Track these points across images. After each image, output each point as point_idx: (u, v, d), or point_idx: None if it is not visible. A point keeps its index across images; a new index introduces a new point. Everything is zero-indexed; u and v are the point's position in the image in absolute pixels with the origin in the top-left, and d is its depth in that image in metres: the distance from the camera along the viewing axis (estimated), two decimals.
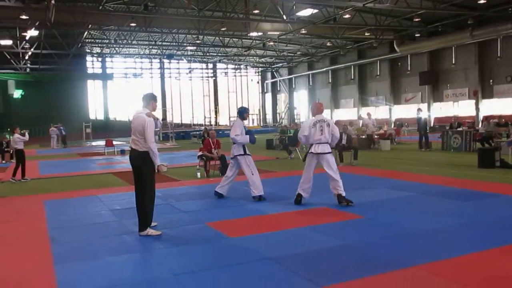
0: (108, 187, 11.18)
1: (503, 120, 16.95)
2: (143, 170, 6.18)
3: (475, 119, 28.51)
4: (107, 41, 37.01)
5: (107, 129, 44.04)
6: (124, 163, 17.23)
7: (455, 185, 9.39)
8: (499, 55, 28.62)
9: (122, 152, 22.50)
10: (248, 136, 8.84)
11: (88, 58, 47.92)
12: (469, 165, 12.57)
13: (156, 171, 6.24)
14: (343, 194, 7.67)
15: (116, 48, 41.76)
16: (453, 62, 32.12)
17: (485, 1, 24.33)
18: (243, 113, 8.97)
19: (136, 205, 6.27)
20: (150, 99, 6.50)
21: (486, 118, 20.06)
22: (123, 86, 51.64)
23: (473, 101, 30.98)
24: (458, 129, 18.08)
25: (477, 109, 30.28)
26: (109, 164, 17.79)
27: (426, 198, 7.85)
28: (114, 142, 25.42)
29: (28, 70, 42.03)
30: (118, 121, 50.21)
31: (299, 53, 44.15)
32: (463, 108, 32.29)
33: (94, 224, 7.00)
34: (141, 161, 6.16)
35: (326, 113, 45.47)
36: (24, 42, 31.27)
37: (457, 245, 5.25)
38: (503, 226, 6.07)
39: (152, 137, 6.18)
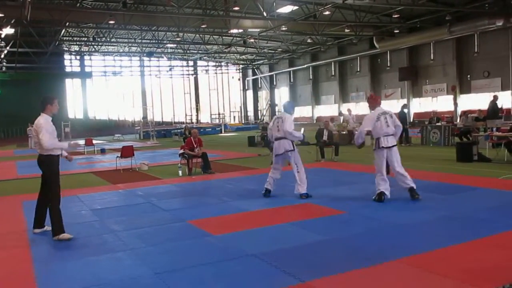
0: (89, 186, 11.04)
1: (481, 114, 17.21)
2: (46, 174, 6.20)
3: (454, 114, 28.92)
4: (86, 39, 36.52)
5: (86, 128, 43.51)
6: (105, 162, 17.08)
7: (435, 179, 9.53)
8: (476, 50, 29.06)
9: (103, 151, 22.25)
10: (301, 133, 8.48)
11: (66, 56, 47.19)
12: (448, 159, 12.75)
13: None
14: (414, 186, 7.51)
15: (95, 46, 41.21)
16: (432, 58, 32.51)
17: None
18: (292, 107, 8.52)
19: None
20: (45, 103, 6.27)
21: (464, 113, 20.34)
22: (102, 84, 51.06)
23: (452, 96, 31.42)
24: (437, 124, 18.32)
25: (455, 104, 30.72)
26: (89, 163, 17.57)
27: (406, 192, 7.93)
28: (94, 141, 25.10)
29: (4, 69, 41.24)
30: (97, 120, 49.65)
31: (279, 50, 44.20)
32: (442, 103, 32.73)
33: (74, 224, 6.90)
34: (45, 165, 6.17)
35: (306, 110, 45.47)
36: None
37: (437, 238, 5.33)
38: (481, 218, 6.18)
39: (47, 137, 6.03)
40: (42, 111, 6.25)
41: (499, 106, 18.02)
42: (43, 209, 6.39)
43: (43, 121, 6.13)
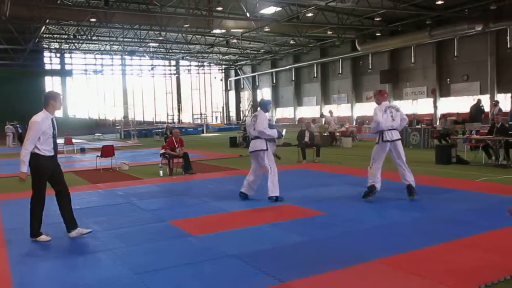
0: (68, 186, 10.85)
1: (460, 117, 17.50)
2: (31, 173, 5.98)
3: (433, 117, 29.34)
4: (66, 36, 36.03)
5: (66, 127, 42.91)
6: (85, 162, 16.87)
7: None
8: (456, 54, 29.52)
9: (83, 150, 21.99)
10: (275, 130, 8.32)
11: (46, 53, 46.51)
12: (427, 161, 12.92)
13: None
14: (414, 185, 7.62)
15: (75, 44, 40.71)
16: (413, 61, 32.92)
17: (443, 2, 25.05)
18: (267, 105, 8.39)
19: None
20: (49, 98, 5.92)
21: (444, 116, 20.67)
22: (83, 83, 50.45)
23: (431, 99, 31.87)
24: (417, 126, 18.57)
25: (435, 107, 31.17)
26: (68, 162, 17.33)
27: (386, 193, 8.03)
28: (74, 140, 24.78)
29: None
30: (77, 118, 49.03)
31: (262, 50, 44.26)
32: (422, 106, 33.17)
33: (52, 224, 6.79)
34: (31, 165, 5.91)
35: (288, 111, 45.48)
36: None
37: (416, 239, 5.40)
38: (458, 220, 6.28)
39: (27, 140, 5.74)
40: (44, 107, 5.89)
41: (483, 109, 18.34)
42: (64, 209, 6.10)
43: (39, 119, 5.75)
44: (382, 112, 7.71)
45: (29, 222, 5.97)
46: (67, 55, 47.80)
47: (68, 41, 37.55)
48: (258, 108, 8.38)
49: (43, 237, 5.92)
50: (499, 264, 4.44)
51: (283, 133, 8.71)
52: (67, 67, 48.65)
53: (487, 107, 26.07)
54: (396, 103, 35.10)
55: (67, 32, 35.35)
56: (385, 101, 8.02)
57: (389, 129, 7.65)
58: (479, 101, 18.03)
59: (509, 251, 4.66)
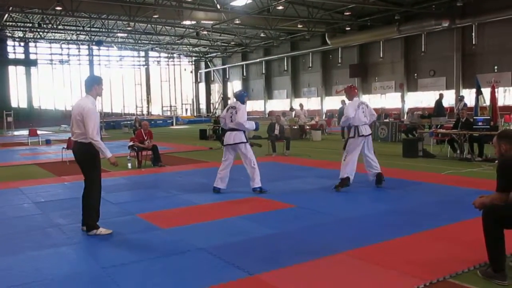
0: (32, 178, 10.61)
1: (426, 112, 17.84)
2: (85, 164, 5.67)
3: (401, 111, 29.87)
4: (31, 25, 34.91)
5: (31, 118, 41.79)
6: (50, 154, 16.47)
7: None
8: (423, 50, 30.05)
9: (48, 142, 21.44)
10: (254, 122, 8.33)
11: (9, 42, 45.07)
12: (394, 155, 13.15)
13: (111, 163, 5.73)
14: (381, 172, 8.10)
15: (41, 33, 39.53)
16: (381, 55, 33.35)
17: None
18: (244, 96, 8.30)
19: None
20: (92, 83, 5.69)
21: (411, 110, 21.06)
22: (48, 73, 49.14)
23: (399, 94, 32.43)
24: (385, 120, 18.85)
25: (403, 101, 31.73)
26: (33, 154, 16.88)
27: (354, 186, 8.13)
28: (39, 132, 24.13)
29: None
30: (43, 109, 47.80)
31: (233, 43, 44.04)
32: (390, 100, 33.72)
33: (16, 217, 6.61)
34: (83, 154, 5.62)
35: (259, 104, 45.47)
36: None
37: (382, 231, 5.48)
38: (424, 212, 6.41)
39: (94, 130, 5.44)
40: (88, 92, 5.62)
41: (444, 105, 18.76)
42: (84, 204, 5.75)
43: (92, 105, 5.48)
44: (355, 108, 8.04)
45: (86, 215, 5.65)
46: (31, 44, 46.39)
47: (32, 29, 36.34)
48: (234, 100, 8.35)
49: (104, 230, 5.66)
50: (462, 255, 4.55)
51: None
52: (32, 57, 47.25)
53: (452, 102, 26.81)
54: (365, 97, 35.61)
55: (31, 21, 34.25)
56: (356, 96, 8.37)
57: (363, 124, 8.05)
58: (441, 95, 18.45)
59: (472, 243, 4.78)
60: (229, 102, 51.30)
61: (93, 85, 5.67)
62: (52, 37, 43.63)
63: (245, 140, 7.99)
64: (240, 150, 8.01)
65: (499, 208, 3.92)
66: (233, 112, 7.97)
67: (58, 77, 49.83)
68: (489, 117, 12.00)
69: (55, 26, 34.72)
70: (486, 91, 14.72)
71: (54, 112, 47.99)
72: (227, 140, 8.08)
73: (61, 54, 48.99)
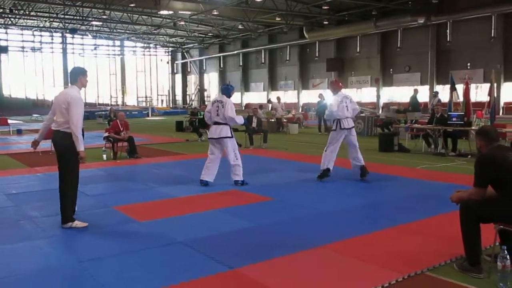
0: (3, 169, 10.32)
1: (402, 107, 18.05)
2: (66, 155, 5.56)
3: (376, 106, 30.20)
4: (1, 10, 33.87)
5: (0, 107, 40.70)
6: (21, 144, 16.06)
7: None
8: (399, 45, 30.41)
9: (19, 132, 20.92)
10: (241, 116, 8.41)
11: None
12: (370, 149, 13.25)
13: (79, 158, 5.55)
14: (364, 164, 8.30)
15: (12, 19, 38.40)
16: (358, 50, 33.60)
17: None
18: (230, 90, 8.26)
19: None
20: (78, 74, 5.73)
21: (386, 105, 21.27)
22: (19, 60, 47.89)
23: (375, 88, 32.77)
24: (362, 114, 19.00)
25: (378, 96, 32.09)
26: (4, 144, 16.45)
27: (332, 180, 8.19)
28: (10, 121, 23.53)
29: None
30: (14, 98, 46.59)
31: (210, 34, 43.72)
32: (366, 94, 34.09)
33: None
34: (64, 144, 5.50)
35: (236, 96, 45.22)
36: None
37: (360, 225, 5.53)
38: (401, 206, 6.49)
39: (79, 117, 5.44)
40: (73, 82, 5.65)
41: (418, 100, 19.00)
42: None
43: (79, 95, 5.48)
44: (339, 102, 8.26)
45: (63, 207, 5.52)
46: (2, 30, 45.04)
47: (3, 15, 35.30)
48: (220, 93, 8.33)
49: (80, 223, 5.52)
50: (439, 248, 4.61)
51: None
52: (2, 43, 45.87)
53: (426, 98, 27.22)
54: (342, 91, 35.86)
55: (2, 6, 33.26)
56: (340, 90, 8.57)
57: (346, 118, 8.25)
58: (415, 91, 18.73)
59: (447, 236, 4.86)
60: (205, 94, 51.07)
61: (79, 76, 5.70)
62: (24, 24, 42.46)
63: (231, 135, 7.96)
64: (225, 144, 7.97)
65: (476, 203, 3.98)
66: (220, 106, 7.90)
67: (29, 65, 48.61)
68: (463, 113, 12.22)
69: (27, 13, 33.80)
70: (460, 87, 15.00)
71: (25, 101, 46.86)
72: (212, 134, 8.04)
73: (33, 42, 47.80)
